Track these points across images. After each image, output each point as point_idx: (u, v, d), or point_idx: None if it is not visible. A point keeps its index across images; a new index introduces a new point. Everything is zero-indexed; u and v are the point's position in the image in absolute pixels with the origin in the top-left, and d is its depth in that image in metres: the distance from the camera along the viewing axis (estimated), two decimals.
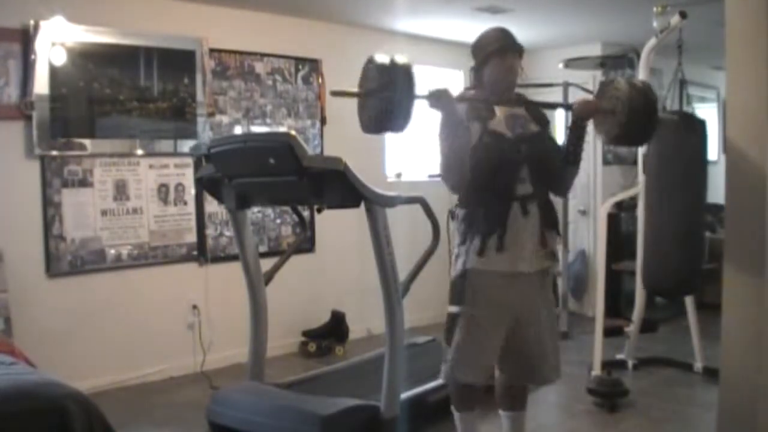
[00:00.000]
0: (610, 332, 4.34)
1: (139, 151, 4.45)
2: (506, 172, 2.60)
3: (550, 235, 2.69)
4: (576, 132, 2.70)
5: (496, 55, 2.66)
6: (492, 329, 2.62)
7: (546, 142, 2.72)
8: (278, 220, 5.14)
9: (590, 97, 3.05)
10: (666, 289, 4.09)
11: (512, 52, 2.68)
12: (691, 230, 3.73)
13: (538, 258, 2.66)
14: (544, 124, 2.74)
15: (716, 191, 3.85)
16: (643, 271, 3.97)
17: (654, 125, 2.78)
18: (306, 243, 5.16)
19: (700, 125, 3.88)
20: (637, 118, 2.69)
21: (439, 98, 2.52)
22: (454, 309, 2.66)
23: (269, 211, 5.06)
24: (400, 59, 2.52)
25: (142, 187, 4.47)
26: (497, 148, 2.60)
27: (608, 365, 4.17)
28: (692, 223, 3.75)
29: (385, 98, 2.43)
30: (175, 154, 4.60)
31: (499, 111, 2.67)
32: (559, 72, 5.55)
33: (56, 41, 4.04)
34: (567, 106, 2.93)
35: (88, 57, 4.19)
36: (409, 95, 2.45)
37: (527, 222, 2.60)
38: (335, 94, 2.55)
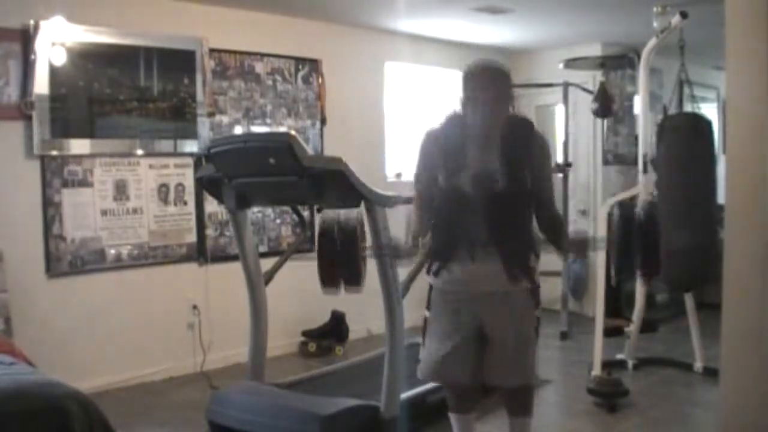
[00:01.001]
0: (610, 332, 4.34)
1: (139, 151, 4.45)
2: (460, 226, 2.63)
3: (516, 271, 2.60)
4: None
5: (466, 92, 2.61)
6: (455, 334, 2.65)
7: (512, 199, 2.61)
8: (278, 220, 5.14)
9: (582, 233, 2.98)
10: (687, 282, 4.11)
11: (481, 96, 2.56)
12: (704, 230, 3.78)
13: (503, 283, 2.60)
14: (519, 169, 2.61)
15: (716, 192, 3.87)
16: (664, 270, 3.98)
17: None
18: (306, 243, 5.15)
19: (707, 125, 3.92)
20: None
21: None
22: (426, 313, 2.78)
23: (269, 211, 5.06)
24: None
25: (142, 187, 4.47)
26: (456, 203, 2.62)
27: (608, 365, 4.17)
28: (705, 222, 3.81)
29: None
30: (175, 154, 4.60)
31: (473, 157, 2.61)
32: (559, 72, 5.55)
33: (56, 41, 4.04)
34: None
35: (88, 57, 4.19)
36: None
37: (485, 262, 2.59)
38: None
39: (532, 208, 2.69)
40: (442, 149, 2.65)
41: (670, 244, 3.90)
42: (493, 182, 2.60)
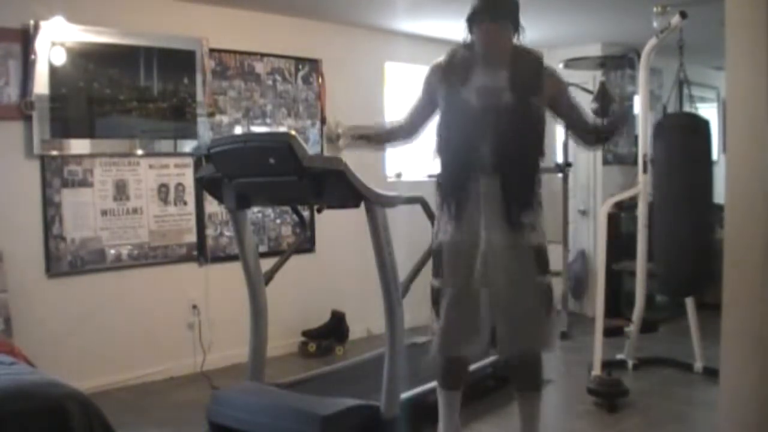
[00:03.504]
0: (610, 332, 4.34)
1: (139, 151, 4.45)
2: (465, 143, 2.63)
3: (516, 209, 2.61)
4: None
5: (473, 23, 2.68)
6: (470, 302, 2.64)
7: (519, 115, 2.61)
8: (278, 220, 5.14)
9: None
10: (680, 289, 4.11)
11: (490, 17, 2.63)
12: (701, 231, 3.78)
13: (505, 232, 2.61)
14: (528, 93, 2.64)
15: (716, 191, 3.87)
16: (658, 274, 4.00)
17: None
18: (306, 243, 5.16)
19: (704, 125, 3.92)
20: None
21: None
22: (434, 282, 2.75)
23: (269, 211, 5.06)
24: None
25: (142, 187, 4.47)
26: (459, 118, 2.65)
27: (608, 365, 4.17)
28: (702, 223, 3.81)
29: None
30: (175, 154, 4.60)
31: (478, 76, 2.66)
32: (559, 72, 5.54)
33: (56, 41, 4.04)
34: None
35: (88, 57, 4.19)
36: None
37: (486, 196, 2.62)
38: None
39: (541, 133, 2.70)
40: (445, 73, 2.71)
41: (666, 248, 3.89)
42: (499, 96, 2.61)
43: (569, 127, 2.94)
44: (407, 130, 2.96)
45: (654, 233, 4.06)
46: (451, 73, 2.72)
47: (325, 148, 5.29)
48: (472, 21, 2.68)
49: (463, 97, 2.65)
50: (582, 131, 2.89)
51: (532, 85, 2.66)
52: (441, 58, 2.79)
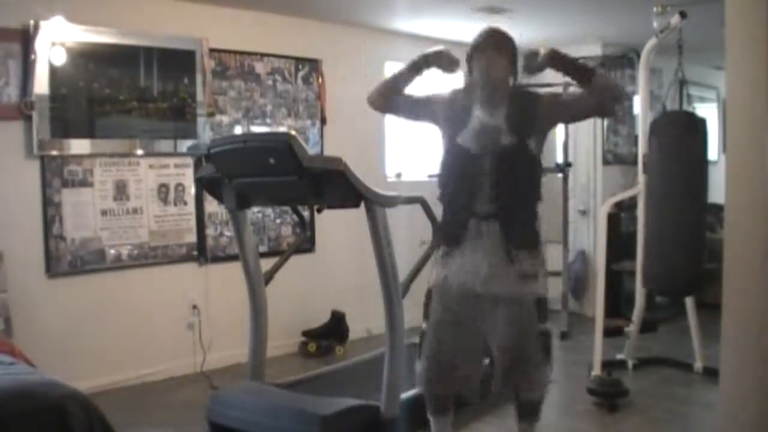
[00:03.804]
0: (610, 332, 4.34)
1: (139, 151, 4.45)
2: (465, 188, 2.64)
3: (518, 253, 2.59)
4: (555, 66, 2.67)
5: (474, 55, 2.70)
6: (455, 347, 2.67)
7: (517, 157, 2.61)
8: (278, 220, 5.14)
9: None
10: (667, 289, 4.10)
11: (489, 50, 2.65)
12: (691, 229, 3.75)
13: (504, 279, 2.59)
14: (525, 134, 2.63)
15: (716, 191, 3.86)
16: (643, 272, 3.98)
17: None
18: (306, 243, 5.16)
19: (700, 124, 3.90)
20: None
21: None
22: (423, 325, 2.76)
23: (269, 211, 5.06)
24: None
25: (142, 187, 4.47)
26: (459, 163, 2.66)
27: (608, 365, 4.17)
28: (693, 222, 3.78)
29: None
30: (175, 154, 4.60)
31: (477, 115, 2.67)
32: (551, 91, 5.54)
33: (56, 41, 4.04)
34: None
35: (88, 57, 4.19)
36: None
37: (484, 241, 2.61)
38: None
39: (539, 176, 2.71)
40: (448, 110, 2.73)
41: (654, 245, 3.87)
42: (498, 137, 2.62)
43: (583, 114, 2.86)
44: (394, 98, 2.90)
45: (645, 230, 4.05)
46: (452, 111, 2.73)
47: (325, 149, 5.29)
48: (473, 54, 2.71)
49: (463, 139, 2.66)
50: (586, 104, 2.75)
51: (529, 126, 2.66)
52: (448, 91, 2.81)
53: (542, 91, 2.79)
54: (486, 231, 2.61)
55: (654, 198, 3.92)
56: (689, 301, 4.31)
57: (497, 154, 2.60)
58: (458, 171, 2.67)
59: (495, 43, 2.67)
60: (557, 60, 2.65)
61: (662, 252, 3.80)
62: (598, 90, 2.62)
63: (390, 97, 2.89)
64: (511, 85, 2.73)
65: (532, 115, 2.67)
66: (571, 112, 2.82)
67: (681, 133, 3.84)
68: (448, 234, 2.70)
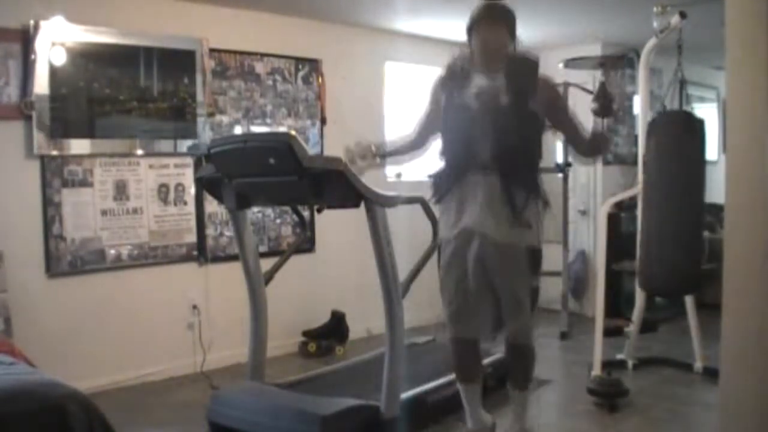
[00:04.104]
0: (610, 332, 4.34)
1: (139, 151, 4.45)
2: (465, 142, 2.81)
3: (517, 205, 2.75)
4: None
5: (473, 28, 2.86)
6: (465, 289, 2.89)
7: (515, 115, 2.76)
8: (278, 220, 5.14)
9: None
10: (664, 289, 4.10)
11: (487, 24, 2.82)
12: (689, 229, 3.75)
13: (503, 229, 2.76)
14: (524, 95, 2.77)
15: (716, 191, 3.86)
16: (641, 272, 3.98)
17: None
18: (306, 243, 5.16)
19: (698, 124, 3.90)
20: None
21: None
22: (440, 273, 3.00)
23: (269, 211, 5.06)
24: None
25: (142, 187, 4.47)
26: (460, 120, 2.83)
27: (608, 365, 4.17)
28: (691, 222, 3.78)
29: None
30: (175, 154, 4.60)
31: (476, 81, 2.84)
32: (559, 72, 5.54)
33: (56, 41, 4.04)
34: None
35: (88, 57, 4.19)
36: None
37: (486, 193, 2.78)
38: None
39: (538, 135, 2.86)
40: (446, 81, 2.91)
41: (657, 248, 3.87)
42: (497, 98, 2.78)
43: (566, 139, 3.08)
44: (417, 143, 3.12)
45: (643, 230, 4.04)
46: (451, 80, 2.90)
47: (325, 149, 5.29)
48: (471, 27, 2.86)
49: (463, 100, 2.83)
50: (575, 143, 3.11)
51: (527, 88, 2.80)
52: (446, 63, 2.99)
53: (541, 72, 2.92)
54: (484, 182, 2.77)
55: (652, 198, 3.92)
56: (689, 301, 4.31)
57: (497, 111, 2.76)
58: (457, 126, 2.84)
59: (490, 16, 2.83)
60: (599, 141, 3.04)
61: (661, 252, 3.80)
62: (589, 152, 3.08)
63: (413, 150, 3.15)
64: (511, 53, 2.88)
65: (530, 81, 2.82)
66: (561, 124, 2.99)
67: (679, 133, 3.84)
68: (451, 188, 2.86)
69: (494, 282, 2.85)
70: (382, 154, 3.10)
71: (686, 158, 3.82)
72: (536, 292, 2.91)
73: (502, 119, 2.74)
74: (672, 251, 3.75)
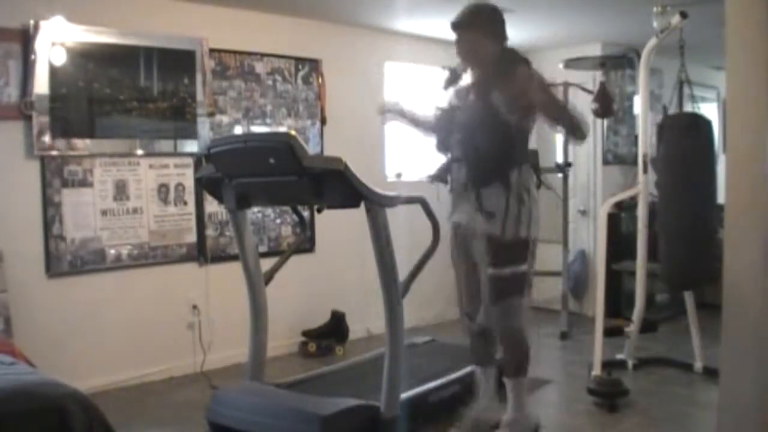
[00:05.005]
0: (610, 332, 4.34)
1: (139, 151, 4.45)
2: (445, 136, 3.20)
3: (480, 194, 3.03)
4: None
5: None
6: (467, 272, 3.25)
7: (482, 112, 3.00)
8: (278, 220, 5.14)
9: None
10: (685, 282, 4.16)
11: (456, 30, 3.08)
12: (703, 223, 3.86)
13: (474, 217, 3.07)
14: (492, 92, 2.97)
15: (716, 191, 3.87)
16: (665, 270, 4.05)
17: None
18: (306, 243, 5.16)
19: (706, 125, 3.94)
20: None
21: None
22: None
23: (269, 211, 5.06)
24: None
25: (142, 187, 4.47)
26: (450, 118, 3.20)
27: (608, 365, 4.17)
28: (707, 219, 3.87)
29: None
30: (175, 154, 4.60)
31: (467, 81, 3.22)
32: (559, 72, 5.54)
33: (56, 41, 4.04)
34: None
35: (88, 57, 4.19)
36: None
37: (461, 183, 3.12)
38: None
39: (508, 130, 3.00)
40: (454, 81, 3.22)
41: (670, 244, 3.92)
42: (477, 97, 3.06)
43: (548, 118, 3.11)
44: (430, 128, 3.40)
45: (659, 232, 4.07)
46: (455, 81, 3.24)
47: (325, 149, 5.29)
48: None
49: (455, 100, 3.22)
50: (559, 123, 3.15)
51: (498, 85, 2.97)
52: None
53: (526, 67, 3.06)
54: (458, 174, 3.12)
55: (668, 199, 4.02)
56: (689, 301, 4.31)
57: (469, 109, 3.09)
58: (448, 124, 3.19)
59: (457, 23, 3.07)
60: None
61: (682, 250, 3.94)
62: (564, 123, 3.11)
63: (428, 132, 3.43)
64: (500, 51, 3.08)
65: (502, 77, 2.97)
66: (542, 111, 3.03)
67: (690, 136, 3.93)
68: (438, 176, 3.28)
69: (477, 267, 3.17)
70: (404, 114, 3.44)
71: (699, 159, 3.88)
72: (522, 279, 3.06)
73: (473, 117, 3.03)
74: (692, 247, 3.89)
